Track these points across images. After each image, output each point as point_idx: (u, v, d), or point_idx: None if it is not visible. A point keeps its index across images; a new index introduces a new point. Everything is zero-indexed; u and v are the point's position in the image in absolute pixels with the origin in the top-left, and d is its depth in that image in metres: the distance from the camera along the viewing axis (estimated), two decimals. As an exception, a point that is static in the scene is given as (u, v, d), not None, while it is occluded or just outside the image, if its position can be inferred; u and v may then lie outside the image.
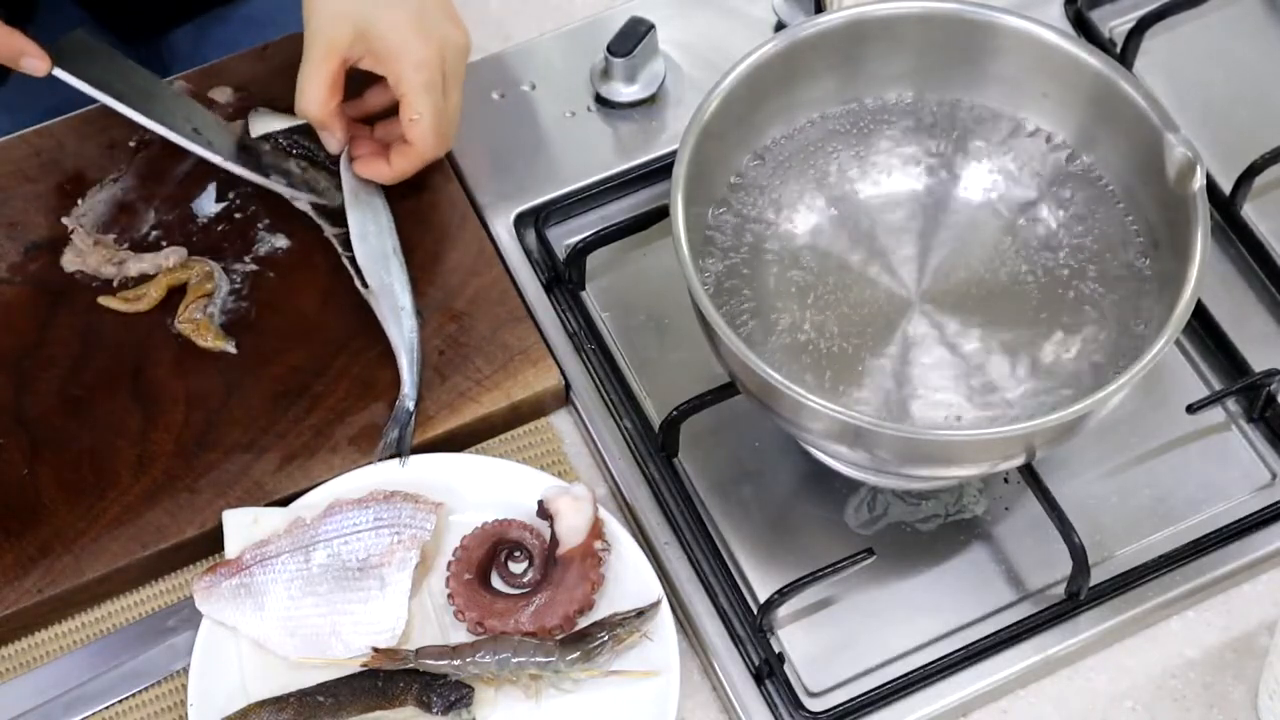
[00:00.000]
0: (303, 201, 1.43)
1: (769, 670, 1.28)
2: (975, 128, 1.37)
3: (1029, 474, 1.31)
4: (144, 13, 1.67)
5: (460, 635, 1.30)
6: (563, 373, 1.39)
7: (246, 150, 1.44)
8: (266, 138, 1.44)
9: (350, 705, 1.26)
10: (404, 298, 1.39)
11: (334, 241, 1.42)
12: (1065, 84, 1.34)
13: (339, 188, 1.43)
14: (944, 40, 1.35)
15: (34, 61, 1.35)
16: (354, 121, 1.43)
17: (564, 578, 1.29)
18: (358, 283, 1.39)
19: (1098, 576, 1.30)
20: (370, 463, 1.34)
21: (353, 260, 1.40)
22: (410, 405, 1.35)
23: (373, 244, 1.40)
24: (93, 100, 1.40)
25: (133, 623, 1.32)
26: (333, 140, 1.42)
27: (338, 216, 1.42)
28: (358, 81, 1.41)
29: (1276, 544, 1.34)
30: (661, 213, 1.37)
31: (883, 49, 1.35)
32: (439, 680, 1.26)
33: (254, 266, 1.43)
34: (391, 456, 1.34)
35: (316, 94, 1.37)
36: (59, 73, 1.37)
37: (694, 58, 1.53)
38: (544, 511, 1.31)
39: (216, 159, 1.42)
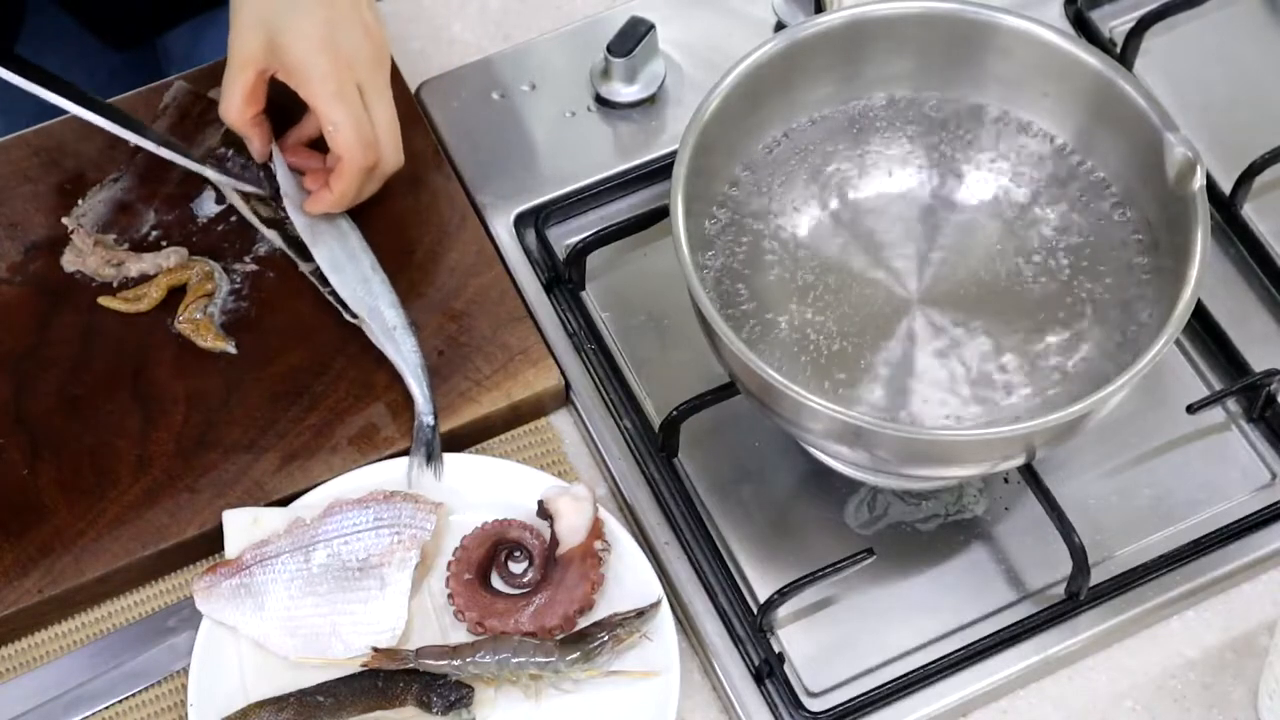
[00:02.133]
0: (270, 234, 1.42)
1: (769, 670, 1.28)
2: (975, 128, 1.37)
3: (1029, 474, 1.31)
4: (133, 17, 1.67)
5: (460, 635, 1.30)
6: (563, 373, 1.39)
7: (217, 159, 1.44)
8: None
9: (350, 705, 1.26)
10: (393, 316, 1.37)
11: (312, 279, 1.40)
12: (1065, 84, 1.34)
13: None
14: (944, 40, 1.35)
15: None
16: (309, 150, 1.42)
17: (564, 578, 1.29)
18: (346, 315, 1.38)
19: (1098, 576, 1.30)
20: (369, 462, 1.34)
21: (334, 294, 1.39)
22: (430, 420, 1.35)
23: (348, 272, 1.39)
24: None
25: (133, 623, 1.32)
26: (255, 147, 1.41)
27: (308, 250, 1.41)
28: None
29: (1276, 544, 1.34)
30: (661, 213, 1.37)
31: (883, 49, 1.35)
32: (439, 680, 1.26)
33: (254, 266, 1.43)
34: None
35: (234, 103, 1.37)
36: (1, 71, 1.36)
37: (694, 58, 1.53)
38: (544, 511, 1.31)
39: (163, 151, 1.41)
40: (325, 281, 1.39)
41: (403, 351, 1.36)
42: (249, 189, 1.43)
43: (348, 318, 1.38)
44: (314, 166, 1.42)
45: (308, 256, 1.41)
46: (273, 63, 1.35)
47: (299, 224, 1.40)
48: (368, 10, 1.36)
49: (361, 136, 1.35)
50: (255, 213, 1.43)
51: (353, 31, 1.35)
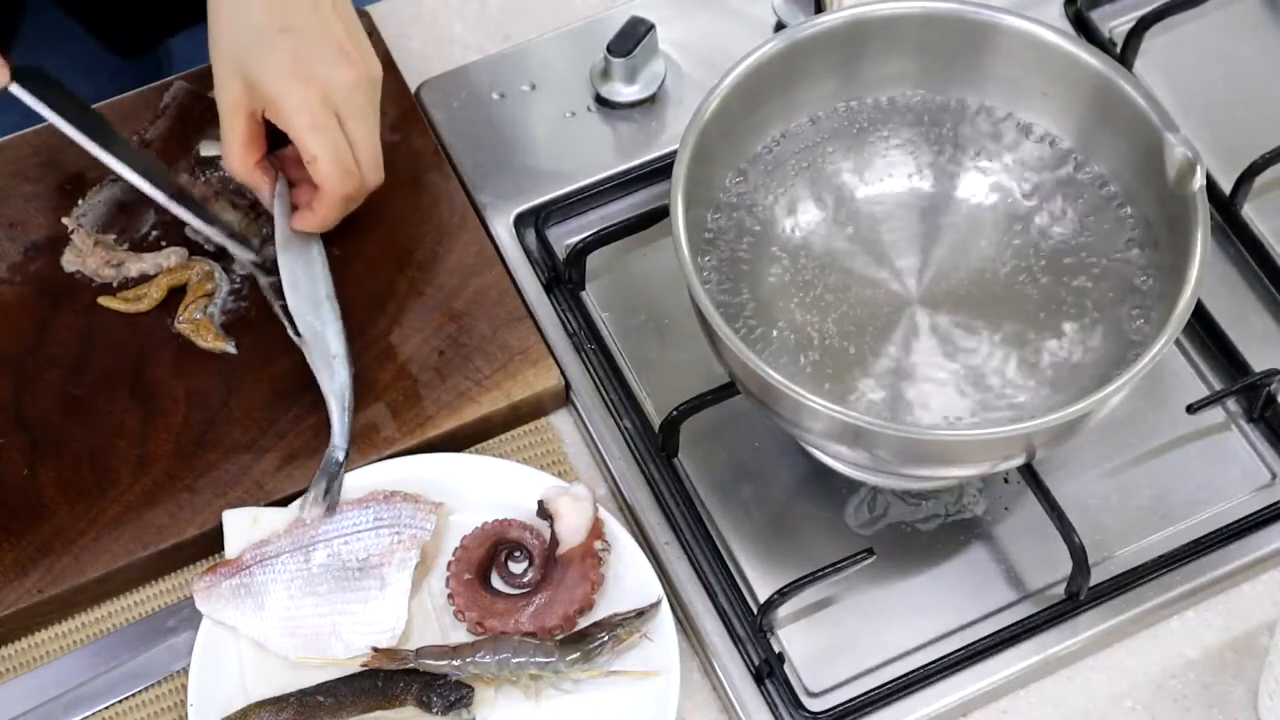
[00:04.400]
0: (238, 252, 1.42)
1: (769, 670, 1.28)
2: (975, 128, 1.37)
3: (1029, 474, 1.31)
4: (135, 23, 1.66)
5: (460, 635, 1.30)
6: (563, 373, 1.39)
7: (189, 198, 1.42)
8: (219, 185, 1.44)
9: (350, 705, 1.26)
10: (336, 345, 1.36)
11: (268, 293, 1.39)
12: (1065, 84, 1.34)
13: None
14: (944, 40, 1.35)
15: None
16: (299, 163, 1.42)
17: (564, 578, 1.29)
18: (290, 332, 1.36)
19: (1098, 576, 1.30)
20: (369, 463, 1.34)
21: (285, 309, 1.38)
22: (340, 456, 1.33)
23: (304, 291, 1.38)
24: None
25: (133, 623, 1.32)
26: (264, 195, 1.39)
27: (275, 266, 1.40)
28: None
29: (1276, 544, 1.34)
30: (661, 213, 1.37)
31: (883, 49, 1.35)
32: (439, 680, 1.26)
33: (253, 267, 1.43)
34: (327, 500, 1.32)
35: (236, 152, 1.36)
36: (15, 89, 1.35)
37: (694, 58, 1.53)
38: (544, 511, 1.31)
39: (160, 197, 1.40)
40: (280, 295, 1.38)
41: (335, 381, 1.34)
42: (247, 254, 1.42)
43: (291, 334, 1.37)
44: (304, 177, 1.41)
45: (269, 271, 1.40)
46: (254, 102, 1.34)
47: (279, 230, 1.39)
48: (339, 29, 1.34)
49: (340, 166, 1.34)
50: (232, 233, 1.42)
51: (323, 56, 1.33)
